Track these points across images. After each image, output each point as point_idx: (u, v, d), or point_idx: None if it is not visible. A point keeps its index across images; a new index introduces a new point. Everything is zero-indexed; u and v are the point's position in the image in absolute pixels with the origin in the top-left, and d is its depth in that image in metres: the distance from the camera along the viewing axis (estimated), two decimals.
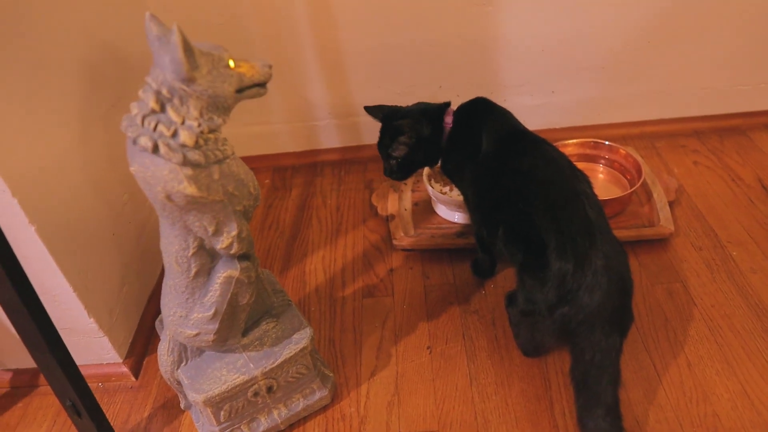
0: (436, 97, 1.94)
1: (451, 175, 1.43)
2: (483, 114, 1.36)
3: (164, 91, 0.87)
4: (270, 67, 0.95)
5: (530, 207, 1.14)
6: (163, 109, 0.88)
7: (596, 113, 2.03)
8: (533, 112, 1.99)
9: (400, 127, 1.35)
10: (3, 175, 1.09)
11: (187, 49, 0.84)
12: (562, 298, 1.08)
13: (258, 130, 2.05)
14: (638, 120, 2.05)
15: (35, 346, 1.09)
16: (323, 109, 2.00)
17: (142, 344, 1.51)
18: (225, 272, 1.04)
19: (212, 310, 1.06)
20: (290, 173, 2.08)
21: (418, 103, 1.45)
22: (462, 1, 1.76)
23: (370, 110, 1.45)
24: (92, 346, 1.40)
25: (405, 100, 1.94)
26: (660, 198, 1.68)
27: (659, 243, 1.60)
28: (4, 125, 1.10)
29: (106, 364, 1.45)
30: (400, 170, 1.42)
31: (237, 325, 1.13)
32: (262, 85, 0.95)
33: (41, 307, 1.06)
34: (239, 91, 0.92)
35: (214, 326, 1.08)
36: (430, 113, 1.39)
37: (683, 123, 2.04)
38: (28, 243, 1.18)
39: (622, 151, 1.78)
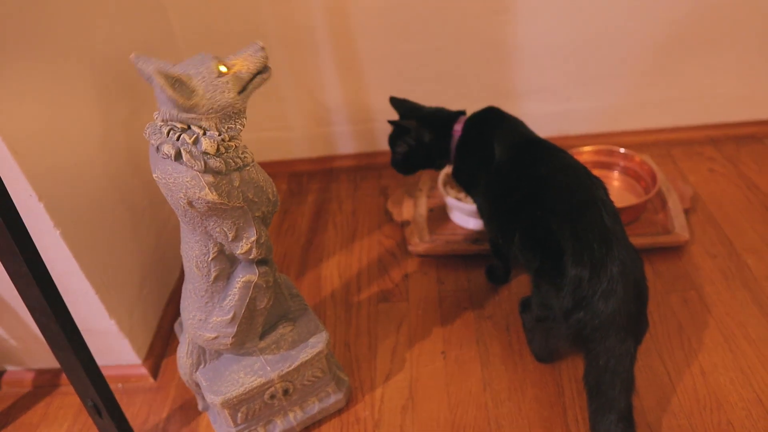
0: (452, 104, 1.97)
1: (464, 182, 1.46)
2: (494, 123, 1.38)
3: (177, 125, 0.89)
4: (262, 49, 0.93)
5: (547, 213, 1.15)
6: (188, 128, 0.91)
7: (612, 120, 2.03)
8: (549, 119, 2.00)
9: (405, 128, 1.44)
10: (30, 179, 1.13)
11: (174, 83, 0.85)
12: (578, 304, 1.09)
13: (274, 136, 2.08)
14: (654, 127, 2.05)
15: (59, 347, 1.12)
16: (339, 114, 2.02)
17: (160, 346, 1.54)
18: (244, 277, 1.06)
19: (231, 314, 1.08)
20: (306, 179, 2.10)
21: (438, 108, 1.50)
22: (478, 9, 1.78)
23: (395, 102, 1.51)
24: (112, 347, 1.43)
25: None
26: (675, 206, 1.68)
27: (674, 251, 1.60)
28: (30, 131, 1.14)
29: (126, 365, 1.48)
30: (402, 165, 1.51)
31: (255, 328, 1.15)
32: (262, 71, 0.95)
33: (65, 308, 1.09)
34: (242, 90, 0.93)
35: (233, 330, 1.10)
36: (439, 120, 1.45)
37: (699, 131, 2.04)
38: (53, 246, 1.22)
39: (637, 158, 1.78)
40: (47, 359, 1.51)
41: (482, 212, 1.39)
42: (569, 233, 1.11)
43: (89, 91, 1.34)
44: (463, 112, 1.45)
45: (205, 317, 1.10)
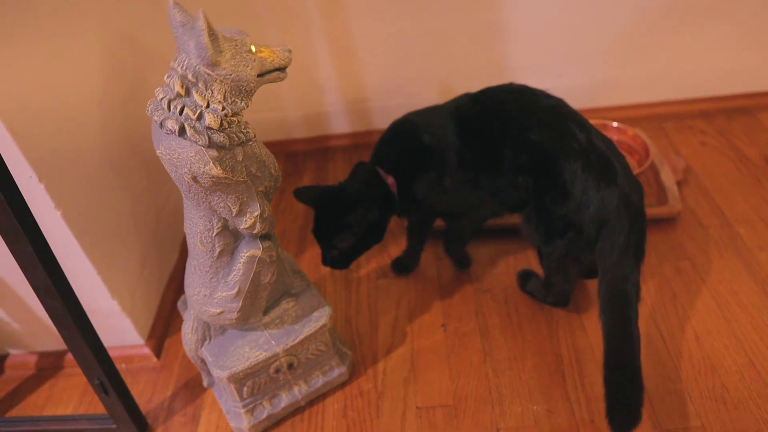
0: (445, 82, 1.98)
1: (420, 206, 1.35)
2: (409, 144, 1.31)
3: (189, 76, 0.90)
4: (290, 51, 0.98)
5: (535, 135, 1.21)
6: (188, 93, 0.91)
7: (604, 95, 2.05)
8: None
9: (349, 225, 1.26)
10: (30, 160, 1.13)
11: (212, 34, 0.86)
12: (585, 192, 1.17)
13: (269, 116, 2.08)
14: (646, 102, 2.07)
15: (65, 326, 1.13)
16: (334, 94, 2.03)
17: (162, 326, 1.55)
18: (248, 252, 1.07)
19: (236, 289, 1.09)
20: (301, 158, 2.11)
21: (355, 171, 1.35)
22: None
23: (299, 195, 1.29)
24: (115, 328, 1.44)
25: (414, 85, 1.98)
26: (668, 178, 1.70)
27: (667, 222, 1.63)
28: (30, 112, 1.14)
29: (129, 345, 1.49)
30: (345, 259, 1.31)
31: (259, 303, 1.16)
32: (282, 69, 0.98)
33: (70, 288, 1.10)
34: (261, 75, 0.95)
35: (238, 304, 1.11)
36: (372, 191, 1.30)
37: (690, 104, 2.06)
38: (55, 228, 1.22)
39: (630, 132, 1.80)
40: (50, 342, 1.52)
41: (461, 202, 1.35)
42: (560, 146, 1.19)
43: (89, 71, 1.34)
44: (374, 166, 1.32)
45: (210, 292, 1.11)
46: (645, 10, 1.85)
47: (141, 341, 1.49)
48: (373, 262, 1.64)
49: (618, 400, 1.08)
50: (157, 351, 1.51)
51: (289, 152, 2.13)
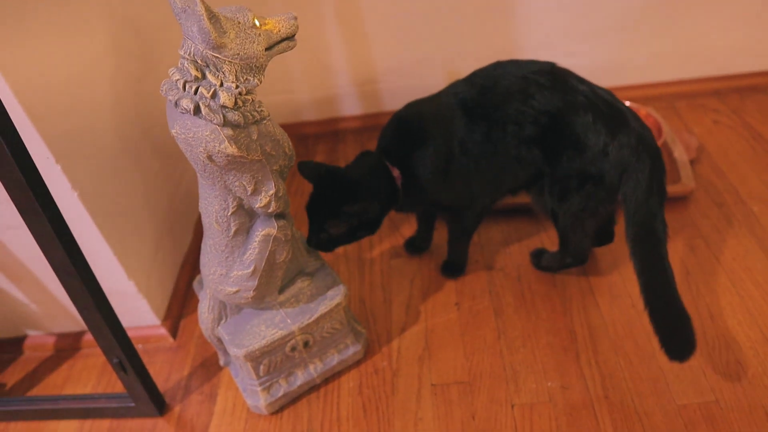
0: (454, 63, 1.98)
1: (423, 198, 1.33)
2: (419, 128, 1.29)
3: (198, 61, 0.90)
4: (295, 18, 0.96)
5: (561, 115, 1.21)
6: (203, 75, 0.92)
7: (616, 74, 2.04)
8: None
9: (350, 213, 1.23)
10: (47, 141, 1.14)
11: (212, 16, 0.86)
12: (609, 132, 1.18)
13: (279, 99, 2.08)
14: (658, 81, 2.05)
15: (84, 306, 1.15)
16: (344, 76, 2.02)
17: (177, 307, 1.56)
18: (263, 230, 1.08)
19: (251, 267, 1.10)
20: (312, 141, 2.11)
21: (361, 159, 1.31)
22: None
23: (303, 169, 1.25)
24: (132, 308, 1.46)
25: (424, 67, 1.98)
26: (681, 156, 1.69)
27: (681, 200, 1.62)
28: (46, 94, 1.15)
29: (146, 326, 1.51)
30: (332, 244, 1.28)
31: (274, 282, 1.17)
32: (290, 38, 0.97)
33: (89, 268, 1.12)
34: (269, 48, 0.94)
35: (254, 283, 1.12)
36: (377, 183, 1.27)
37: (703, 83, 2.04)
38: (72, 208, 1.23)
39: (642, 111, 1.79)
40: (68, 323, 1.54)
41: (464, 193, 1.33)
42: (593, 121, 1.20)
43: (100, 52, 1.34)
44: (381, 156, 1.30)
45: (226, 272, 1.12)
46: None
47: (157, 321, 1.50)
48: (386, 242, 1.65)
49: (671, 330, 1.11)
50: (173, 331, 1.52)
51: (300, 135, 2.14)
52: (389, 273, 1.56)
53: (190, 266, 1.65)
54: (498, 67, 1.28)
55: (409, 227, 1.67)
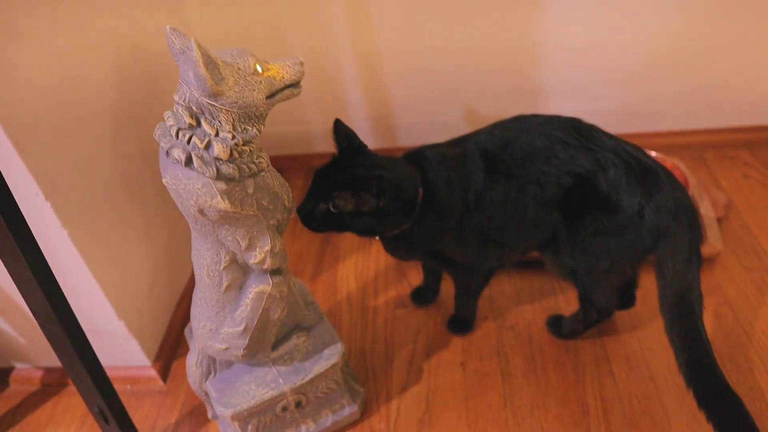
0: (474, 102, 1.91)
1: (431, 237, 1.20)
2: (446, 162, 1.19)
3: (193, 107, 0.84)
4: (301, 64, 0.90)
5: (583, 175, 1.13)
6: (198, 123, 0.85)
7: (642, 121, 1.96)
8: None
9: (378, 188, 1.07)
10: (36, 177, 1.08)
11: (209, 62, 0.80)
12: (645, 192, 1.10)
13: (290, 130, 2.02)
14: (686, 129, 1.97)
15: (64, 352, 1.08)
16: (358, 110, 1.96)
17: (170, 347, 1.49)
18: (257, 287, 1.01)
19: (243, 326, 1.03)
20: None
21: (392, 159, 1.18)
22: (504, 3, 1.70)
23: (339, 127, 1.17)
24: (121, 348, 1.39)
25: (443, 104, 1.91)
26: (708, 213, 1.60)
27: (706, 262, 1.52)
28: (36, 125, 1.09)
29: (135, 366, 1.44)
30: (321, 223, 1.13)
31: (267, 339, 1.10)
32: (294, 85, 0.91)
33: (71, 313, 1.05)
34: (270, 96, 0.88)
35: (244, 341, 1.05)
36: (406, 185, 1.13)
37: (733, 133, 1.96)
38: (60, 247, 1.17)
39: (668, 162, 1.70)
40: (55, 358, 1.47)
41: (472, 245, 1.22)
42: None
43: (101, 82, 1.29)
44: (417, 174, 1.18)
45: (216, 327, 1.05)
46: (688, 34, 1.75)
47: (148, 362, 1.43)
48: (391, 290, 1.57)
49: (728, 417, 0.99)
50: (164, 374, 1.45)
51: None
52: (393, 324, 1.48)
53: (187, 304, 1.57)
54: (520, 120, 1.20)
55: (417, 275, 1.59)
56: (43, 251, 0.97)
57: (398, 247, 1.27)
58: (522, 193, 1.15)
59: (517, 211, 1.17)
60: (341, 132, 1.16)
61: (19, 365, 1.53)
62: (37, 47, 1.10)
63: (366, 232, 1.17)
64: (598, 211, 1.13)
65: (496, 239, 1.21)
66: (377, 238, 1.23)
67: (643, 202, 1.10)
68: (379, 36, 1.78)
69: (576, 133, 1.14)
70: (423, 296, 1.51)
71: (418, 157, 1.20)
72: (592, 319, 1.33)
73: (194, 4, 1.73)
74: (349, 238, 1.75)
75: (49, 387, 1.49)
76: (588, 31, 1.75)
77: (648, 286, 1.45)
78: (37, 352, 1.47)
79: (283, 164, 1.96)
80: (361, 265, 1.66)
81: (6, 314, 1.38)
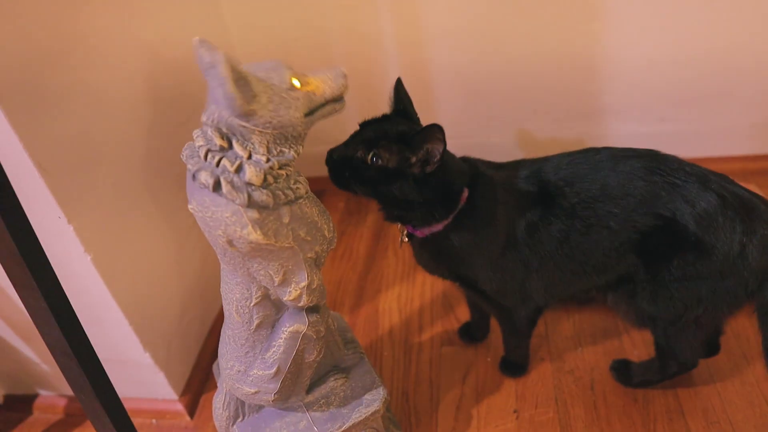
0: (527, 123, 1.79)
1: (477, 255, 1.06)
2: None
3: (223, 129, 0.74)
4: (345, 76, 0.80)
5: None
6: (230, 145, 0.76)
7: (712, 144, 1.80)
8: (638, 141, 1.74)
9: (427, 154, 0.94)
10: (58, 200, 1.00)
11: (239, 79, 0.70)
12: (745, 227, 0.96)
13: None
14: (761, 153, 1.80)
15: (81, 390, 0.99)
16: None
17: (199, 380, 1.40)
18: (291, 326, 0.90)
19: (274, 368, 0.92)
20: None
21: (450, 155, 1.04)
22: (565, 16, 1.58)
23: (399, 89, 1.06)
24: (147, 379, 1.31)
25: (493, 124, 1.80)
26: None
27: None
28: (59, 145, 1.01)
29: (161, 399, 1.35)
30: (355, 178, 1.00)
31: (302, 383, 0.99)
32: (337, 100, 0.81)
33: (90, 350, 0.96)
34: (309, 113, 0.78)
35: (276, 385, 0.94)
36: (459, 170, 1.02)
37: None
38: (83, 273, 1.09)
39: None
40: None
41: (512, 280, 1.09)
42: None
43: (137, 99, 1.21)
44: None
45: (245, 369, 0.94)
46: (764, 45, 1.60)
47: (174, 396, 1.34)
48: (438, 325, 1.45)
49: None
50: (191, 409, 1.35)
51: None
52: (439, 363, 1.35)
53: (218, 335, 1.48)
54: (591, 154, 1.06)
55: (465, 309, 1.46)
56: (65, 277, 0.88)
57: (426, 254, 1.12)
58: (586, 237, 1.02)
59: (576, 254, 1.04)
60: (401, 94, 1.05)
61: (43, 392, 1.46)
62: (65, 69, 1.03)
63: (396, 205, 1.01)
64: (688, 254, 0.98)
65: (546, 280, 1.08)
66: (406, 239, 1.10)
67: (745, 240, 0.96)
68: (427, 51, 1.68)
69: (655, 167, 1.00)
70: (472, 333, 1.38)
71: (467, 162, 1.08)
72: (671, 372, 1.18)
73: (234, 15, 1.66)
74: (391, 267, 1.63)
75: (72, 417, 1.42)
76: (657, 44, 1.61)
77: (729, 329, 1.30)
78: (60, 380, 1.39)
79: (323, 186, 1.86)
80: (405, 297, 1.54)
81: (30, 341, 1.31)
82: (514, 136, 1.83)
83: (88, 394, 0.99)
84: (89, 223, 1.06)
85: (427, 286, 1.55)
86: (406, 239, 1.10)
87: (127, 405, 1.03)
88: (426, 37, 1.66)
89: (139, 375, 1.30)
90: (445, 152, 0.96)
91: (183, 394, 1.35)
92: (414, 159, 0.95)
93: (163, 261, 1.31)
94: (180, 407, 1.34)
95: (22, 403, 1.45)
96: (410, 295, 1.54)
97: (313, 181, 0.88)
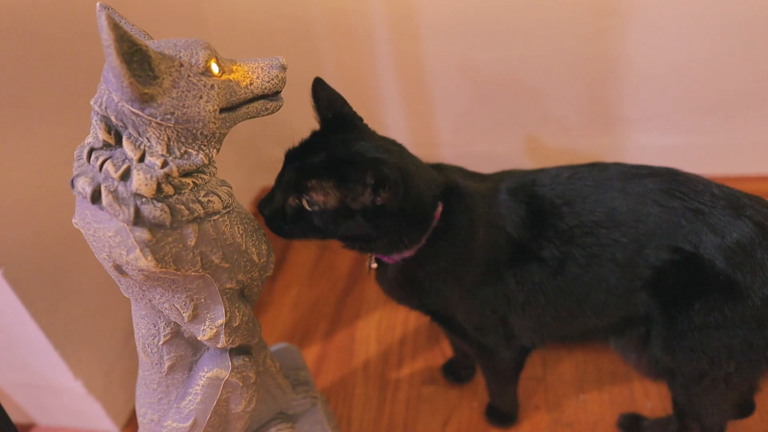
0: (537, 130, 1.61)
1: (443, 285, 0.88)
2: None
3: (113, 118, 0.57)
4: (282, 67, 0.63)
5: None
6: (118, 140, 0.59)
7: (744, 160, 1.61)
8: (662, 155, 1.59)
9: (376, 177, 0.73)
10: None
11: (135, 52, 0.53)
12: None
13: None
14: None
15: None
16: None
17: None
18: (210, 372, 0.73)
19: (190, 420, 0.75)
20: None
21: (401, 146, 0.87)
22: (579, 10, 1.40)
23: (318, 90, 0.83)
24: (83, 410, 1.15)
25: (500, 131, 1.62)
26: None
27: None
28: None
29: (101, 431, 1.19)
30: (297, 227, 0.78)
31: None
32: (270, 96, 0.64)
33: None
34: (229, 109, 0.61)
35: None
36: (427, 181, 0.83)
37: None
38: None
39: None
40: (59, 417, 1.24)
41: (492, 314, 0.90)
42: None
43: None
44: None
45: (158, 419, 0.77)
46: None
47: (115, 429, 1.18)
48: (420, 360, 1.26)
49: None
50: None
51: None
52: (417, 406, 1.17)
53: None
54: (597, 170, 0.87)
55: None
56: None
57: (394, 282, 0.92)
58: (586, 269, 0.83)
59: (573, 289, 0.85)
60: (324, 97, 0.83)
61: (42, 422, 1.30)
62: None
63: (356, 243, 0.84)
64: (714, 297, 0.79)
65: (532, 317, 0.89)
66: (375, 264, 0.90)
67: None
68: (424, 48, 1.51)
69: (675, 188, 0.82)
70: (457, 372, 1.20)
71: (440, 170, 0.89)
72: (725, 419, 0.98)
73: (213, 9, 1.51)
74: (373, 289, 1.45)
75: None
76: (684, 46, 1.43)
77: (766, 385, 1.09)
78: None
79: None
80: (386, 324, 1.35)
81: None
82: (522, 144, 1.65)
83: None
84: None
85: (412, 314, 1.36)
86: (375, 265, 0.92)
87: None
88: (422, 32, 1.49)
89: (74, 404, 1.14)
90: (405, 168, 0.78)
91: (126, 426, 1.19)
92: (358, 192, 0.75)
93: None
94: None
95: None
96: (392, 322, 1.35)
97: None
